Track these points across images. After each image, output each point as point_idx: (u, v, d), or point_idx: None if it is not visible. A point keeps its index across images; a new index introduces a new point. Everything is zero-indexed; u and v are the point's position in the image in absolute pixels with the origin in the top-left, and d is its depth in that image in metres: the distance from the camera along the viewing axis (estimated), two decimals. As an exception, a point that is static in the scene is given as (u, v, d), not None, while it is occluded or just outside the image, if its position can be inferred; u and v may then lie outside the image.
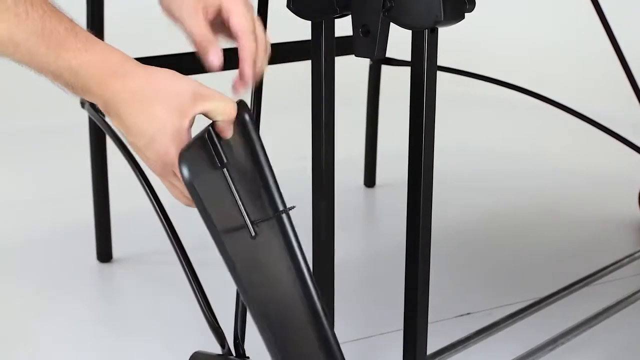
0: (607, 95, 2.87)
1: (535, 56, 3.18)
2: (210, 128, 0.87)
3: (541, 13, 3.22)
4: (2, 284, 1.60)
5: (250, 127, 0.93)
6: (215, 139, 0.87)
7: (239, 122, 0.91)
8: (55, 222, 1.89)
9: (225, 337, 1.11)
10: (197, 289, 1.16)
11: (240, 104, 0.91)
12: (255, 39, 0.92)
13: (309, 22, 1.00)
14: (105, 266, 1.67)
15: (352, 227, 1.88)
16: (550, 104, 1.82)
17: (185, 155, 0.79)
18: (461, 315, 1.45)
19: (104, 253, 1.68)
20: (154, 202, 1.26)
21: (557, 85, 2.58)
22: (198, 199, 0.79)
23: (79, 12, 1.59)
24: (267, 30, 1.16)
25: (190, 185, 0.79)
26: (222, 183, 0.87)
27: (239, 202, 0.88)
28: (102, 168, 1.64)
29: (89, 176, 1.65)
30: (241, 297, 0.85)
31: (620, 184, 2.14)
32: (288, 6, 0.99)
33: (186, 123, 0.83)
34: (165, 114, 0.82)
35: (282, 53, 1.74)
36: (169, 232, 1.21)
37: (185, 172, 0.78)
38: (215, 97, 0.85)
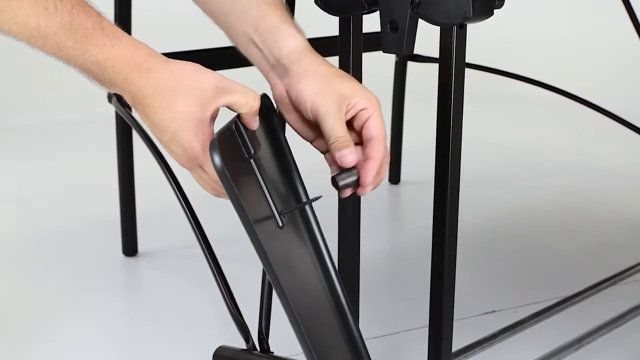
0: (634, 92, 2.85)
1: (562, 53, 3.16)
2: (237, 119, 0.87)
3: (568, 9, 3.20)
4: (29, 277, 1.61)
5: (275, 120, 0.93)
6: (242, 130, 0.87)
7: (262, 115, 0.91)
8: (81, 215, 1.90)
9: (249, 332, 1.11)
10: (222, 283, 1.16)
11: (263, 97, 0.91)
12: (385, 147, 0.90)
13: (336, 18, 1.00)
14: (130, 260, 1.67)
15: (377, 224, 1.88)
16: (577, 100, 1.80)
17: (216, 143, 0.79)
18: (486, 313, 1.44)
19: (130, 247, 1.68)
20: (180, 197, 1.26)
21: (583, 82, 2.56)
22: (230, 187, 0.80)
23: (107, 7, 1.60)
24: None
25: (222, 173, 0.79)
26: (249, 174, 0.88)
27: (266, 192, 0.88)
28: (128, 162, 1.65)
29: (115, 170, 1.66)
30: (273, 287, 0.85)
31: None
32: (316, 2, 0.98)
33: (208, 116, 0.83)
34: (187, 108, 0.83)
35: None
36: (195, 227, 1.22)
37: (217, 160, 0.78)
38: (238, 89, 0.85)
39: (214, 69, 0.87)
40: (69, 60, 0.82)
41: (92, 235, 1.79)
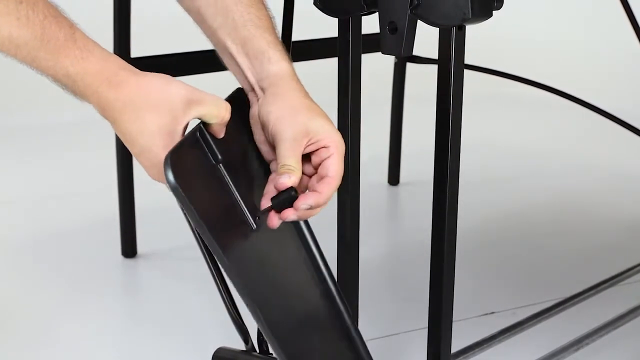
0: (633, 93, 2.85)
1: (561, 54, 3.16)
2: (202, 126, 0.87)
3: (567, 10, 3.20)
4: (27, 278, 1.61)
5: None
6: (209, 138, 0.86)
7: (241, 111, 0.90)
8: (80, 217, 1.90)
9: (249, 333, 1.11)
10: (221, 284, 1.16)
11: (241, 91, 0.90)
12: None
13: (335, 19, 1.00)
14: (129, 261, 1.67)
15: (376, 225, 1.88)
16: (576, 102, 1.80)
17: (171, 159, 0.78)
18: (485, 315, 1.44)
19: (129, 248, 1.68)
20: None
21: (582, 83, 2.56)
22: (186, 203, 0.79)
23: (106, 7, 1.60)
24: (294, 27, 1.16)
25: (175, 190, 0.78)
26: (218, 180, 0.87)
27: (237, 197, 0.87)
28: (127, 163, 1.65)
29: (115, 171, 1.66)
30: (243, 300, 0.84)
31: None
32: (315, 3, 0.98)
33: (179, 129, 0.83)
34: (157, 122, 0.82)
35: (308, 50, 1.75)
36: (194, 230, 1.21)
37: (170, 176, 0.77)
38: (208, 101, 0.85)
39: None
40: (41, 71, 0.82)
41: (91, 237, 1.79)
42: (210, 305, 1.45)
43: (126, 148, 1.67)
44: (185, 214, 1.16)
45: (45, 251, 1.73)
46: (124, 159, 1.64)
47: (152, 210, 1.86)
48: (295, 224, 0.94)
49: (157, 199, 1.83)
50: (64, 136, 2.61)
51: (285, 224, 0.91)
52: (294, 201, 0.86)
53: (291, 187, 0.86)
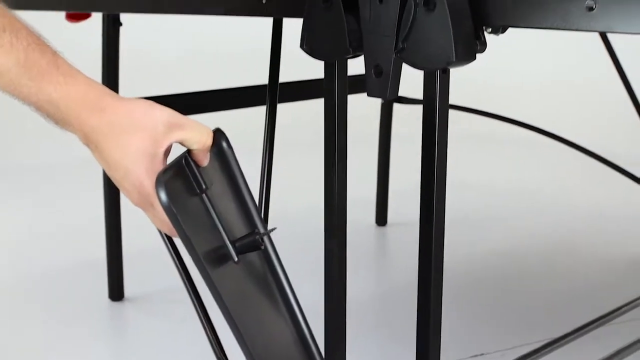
0: (621, 134, 2.87)
1: (546, 94, 3.19)
2: (187, 154, 0.87)
3: (551, 51, 3.24)
4: (15, 319, 1.59)
5: (228, 154, 0.92)
6: (193, 165, 0.87)
7: (216, 149, 0.91)
8: (67, 259, 1.89)
9: (235, 375, 1.10)
10: (208, 328, 1.15)
11: (218, 132, 0.91)
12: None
13: (321, 62, 1.01)
14: (116, 305, 1.66)
15: (364, 266, 1.87)
16: (564, 142, 1.82)
17: (162, 179, 0.78)
18: (475, 356, 1.43)
19: (116, 291, 1.67)
20: (165, 239, 1.26)
21: (569, 123, 2.58)
22: (177, 222, 0.78)
23: (96, 46, 1.61)
24: (281, 69, 1.17)
25: (168, 208, 0.78)
26: (201, 209, 0.87)
27: (220, 227, 0.87)
28: (115, 205, 1.64)
29: (102, 213, 1.65)
30: (227, 323, 0.83)
31: (635, 223, 2.13)
32: (301, 46, 0.99)
33: (161, 152, 0.83)
34: (139, 145, 0.83)
35: (294, 92, 1.76)
36: (181, 270, 1.21)
37: (163, 195, 0.77)
38: (190, 125, 0.85)
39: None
40: (23, 99, 0.82)
41: (78, 279, 1.78)
42: (198, 348, 1.43)
43: (114, 189, 1.67)
44: (169, 248, 1.16)
45: (32, 293, 1.72)
46: (112, 200, 1.64)
47: (140, 252, 1.85)
48: (270, 266, 0.94)
49: (144, 240, 1.83)
50: (52, 177, 2.60)
51: (259, 261, 0.91)
52: (258, 245, 0.87)
53: (255, 230, 0.88)
